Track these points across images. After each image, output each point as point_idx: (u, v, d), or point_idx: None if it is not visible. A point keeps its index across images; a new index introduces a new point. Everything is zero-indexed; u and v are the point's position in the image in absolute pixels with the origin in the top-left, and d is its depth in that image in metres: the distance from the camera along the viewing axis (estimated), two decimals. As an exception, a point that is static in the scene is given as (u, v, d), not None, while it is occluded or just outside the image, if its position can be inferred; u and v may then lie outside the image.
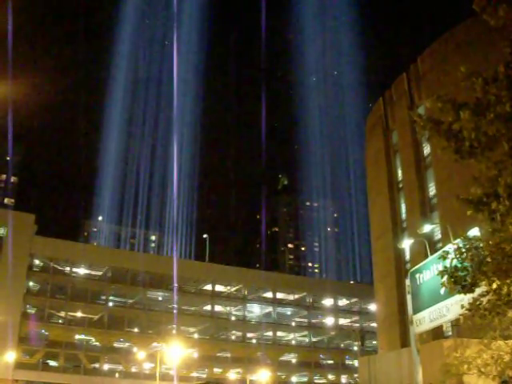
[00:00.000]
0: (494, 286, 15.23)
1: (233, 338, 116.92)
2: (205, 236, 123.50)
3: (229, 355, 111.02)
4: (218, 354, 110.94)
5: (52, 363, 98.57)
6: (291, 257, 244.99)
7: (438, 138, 13.51)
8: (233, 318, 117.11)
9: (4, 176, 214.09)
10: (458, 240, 17.21)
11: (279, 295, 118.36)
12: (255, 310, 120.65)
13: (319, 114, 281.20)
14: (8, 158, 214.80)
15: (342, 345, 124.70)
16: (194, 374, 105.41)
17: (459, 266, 16.65)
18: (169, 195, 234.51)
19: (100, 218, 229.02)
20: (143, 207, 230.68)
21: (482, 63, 44.74)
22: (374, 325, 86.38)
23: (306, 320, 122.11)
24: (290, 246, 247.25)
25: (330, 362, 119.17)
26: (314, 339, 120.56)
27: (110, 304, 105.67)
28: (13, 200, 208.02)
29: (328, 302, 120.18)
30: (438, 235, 54.35)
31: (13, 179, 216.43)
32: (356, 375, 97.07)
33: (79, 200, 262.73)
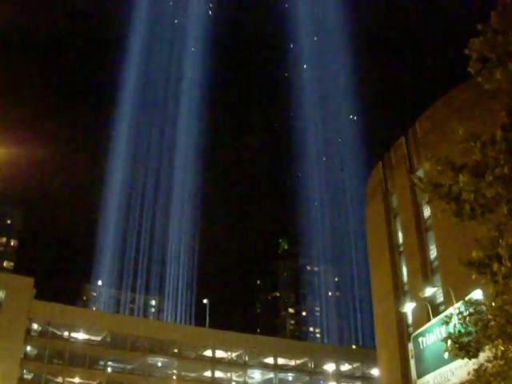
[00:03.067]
0: (499, 351, 15.04)
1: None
2: (205, 301, 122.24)
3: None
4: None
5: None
6: (292, 322, 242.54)
7: (438, 201, 13.59)
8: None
9: (4, 239, 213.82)
10: (460, 304, 17.04)
11: (280, 361, 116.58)
12: (256, 376, 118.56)
13: (319, 178, 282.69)
14: (8, 222, 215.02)
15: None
16: None
17: (463, 330, 16.48)
18: (169, 260, 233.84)
19: (99, 283, 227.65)
20: (143, 272, 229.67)
21: (480, 125, 45.16)
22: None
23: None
24: (290, 310, 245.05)
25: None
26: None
27: (109, 370, 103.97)
28: (12, 263, 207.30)
29: (330, 367, 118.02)
30: (440, 298, 53.86)
31: (12, 242, 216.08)
32: None
33: (79, 264, 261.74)
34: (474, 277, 14.16)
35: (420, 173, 58.57)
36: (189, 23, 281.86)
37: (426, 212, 60.24)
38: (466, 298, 17.69)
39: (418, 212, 61.14)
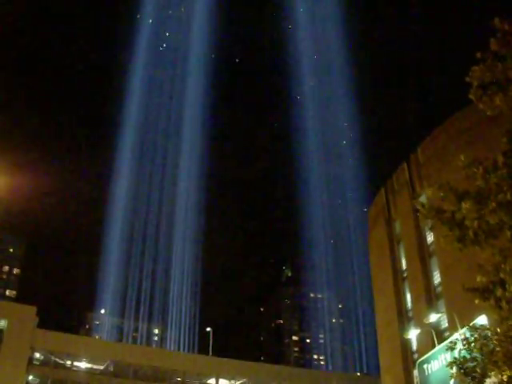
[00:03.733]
0: (505, 377, 14.97)
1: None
2: (208, 329, 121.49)
3: None
4: None
5: None
6: (296, 349, 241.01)
7: (441, 227, 13.63)
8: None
9: (7, 268, 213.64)
10: (465, 329, 17.00)
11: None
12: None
13: (321, 204, 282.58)
14: (11, 250, 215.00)
15: None
16: None
17: (468, 356, 16.42)
18: (172, 288, 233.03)
19: (102, 311, 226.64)
20: (146, 300, 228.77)
21: (481, 150, 45.35)
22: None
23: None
24: (294, 338, 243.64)
25: None
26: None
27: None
28: (15, 292, 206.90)
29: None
30: (444, 324, 53.61)
31: (15, 271, 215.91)
32: None
33: (81, 293, 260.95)
34: (476, 302, 14.14)
35: (423, 198, 58.61)
36: (190, 65, 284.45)
37: (430, 237, 60.20)
38: (471, 324, 17.64)
39: (422, 238, 61.09)
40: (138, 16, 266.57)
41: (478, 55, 13.58)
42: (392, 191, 68.74)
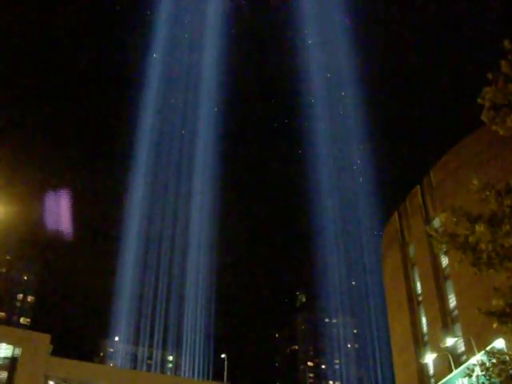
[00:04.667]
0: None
1: None
2: (223, 356, 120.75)
3: None
4: None
5: None
6: (311, 375, 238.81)
7: (455, 251, 13.50)
8: None
9: (21, 295, 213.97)
10: (483, 354, 16.74)
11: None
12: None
13: (334, 229, 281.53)
14: (25, 278, 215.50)
15: None
16: None
17: (486, 382, 16.15)
18: (186, 315, 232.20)
19: (116, 338, 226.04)
20: (160, 327, 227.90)
21: (494, 172, 45.25)
22: None
23: None
24: (309, 364, 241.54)
25: None
26: None
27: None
28: (29, 319, 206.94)
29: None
30: (461, 348, 53.02)
31: (29, 298, 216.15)
32: None
33: (95, 320, 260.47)
34: (494, 326, 13.94)
35: (436, 221, 58.37)
36: (200, 86, 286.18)
37: (444, 261, 59.78)
38: (488, 348, 17.35)
39: (436, 261, 60.69)
40: (154, 55, 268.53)
41: (490, 76, 13.57)
42: (405, 215, 68.49)
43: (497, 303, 13.69)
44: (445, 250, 14.00)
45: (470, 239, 12.82)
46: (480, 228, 12.53)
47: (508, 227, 12.34)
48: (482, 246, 12.62)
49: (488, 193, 12.68)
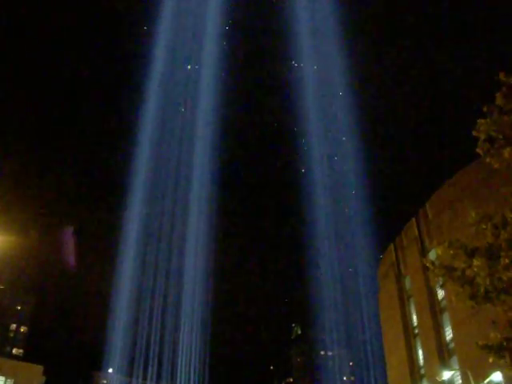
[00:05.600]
0: None
1: None
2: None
3: None
4: None
5: None
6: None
7: (452, 285, 13.45)
8: None
9: (14, 326, 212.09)
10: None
11: None
12: None
13: (330, 261, 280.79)
14: (18, 308, 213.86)
15: None
16: None
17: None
18: (180, 347, 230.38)
19: (110, 370, 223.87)
20: (154, 359, 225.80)
21: (490, 204, 45.25)
22: None
23: None
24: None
25: None
26: None
27: None
28: (21, 350, 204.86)
29: None
30: (458, 381, 52.60)
31: (22, 329, 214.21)
32: None
33: (89, 351, 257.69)
34: (490, 360, 13.86)
35: (432, 253, 58.35)
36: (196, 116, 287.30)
37: (440, 293, 59.60)
38: (486, 382, 17.18)
39: (432, 293, 60.51)
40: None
41: (485, 109, 13.67)
42: (401, 247, 68.47)
43: (494, 337, 13.61)
44: (442, 283, 13.95)
45: (468, 273, 12.78)
46: (477, 262, 12.49)
47: (505, 261, 12.31)
48: (480, 279, 12.57)
49: (485, 226, 12.68)
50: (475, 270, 12.74)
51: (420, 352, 62.76)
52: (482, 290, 13.03)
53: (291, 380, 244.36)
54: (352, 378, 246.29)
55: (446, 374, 45.89)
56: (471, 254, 13.00)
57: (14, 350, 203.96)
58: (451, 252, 13.38)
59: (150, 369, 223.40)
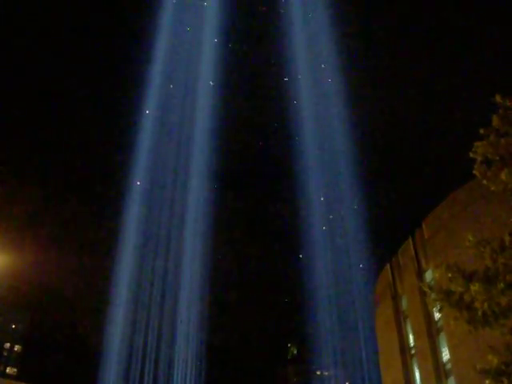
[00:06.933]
0: None
1: None
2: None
3: None
4: None
5: None
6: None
7: (450, 309, 13.28)
8: None
9: (8, 344, 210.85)
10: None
11: None
12: None
13: (326, 281, 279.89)
14: (13, 326, 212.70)
15: None
16: None
17: None
18: (176, 367, 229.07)
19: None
20: (150, 378, 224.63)
21: (487, 225, 45.16)
22: None
23: None
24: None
25: None
26: None
27: None
28: (15, 369, 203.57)
29: None
30: (455, 404, 52.21)
31: (16, 348, 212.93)
32: None
33: (84, 370, 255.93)
34: (487, 383, 13.65)
35: (429, 274, 58.21)
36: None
37: (437, 314, 59.30)
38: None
39: (429, 314, 60.18)
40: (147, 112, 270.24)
41: (481, 131, 13.59)
42: (398, 267, 68.26)
43: (492, 360, 13.41)
44: (439, 307, 13.79)
45: (466, 297, 12.61)
46: (475, 286, 12.33)
47: (503, 285, 12.15)
48: (478, 304, 12.40)
49: (483, 249, 12.54)
50: (473, 294, 12.56)
51: (417, 373, 62.32)
52: (480, 314, 12.85)
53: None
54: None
55: (443, 396, 45.51)
56: (469, 277, 12.84)
57: (8, 369, 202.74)
58: (449, 275, 13.21)
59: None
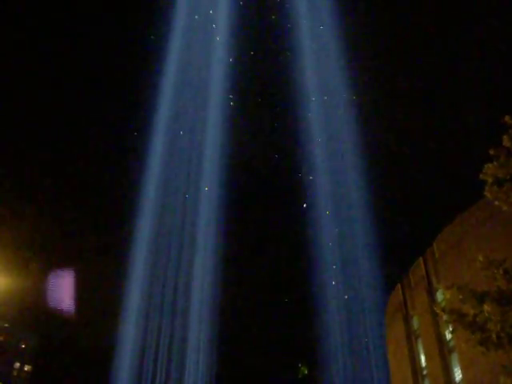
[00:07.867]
0: None
1: None
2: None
3: None
4: None
5: None
6: None
7: (462, 330, 13.15)
8: None
9: (18, 364, 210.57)
10: None
11: None
12: None
13: (337, 301, 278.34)
14: (23, 346, 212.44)
15: None
16: None
17: None
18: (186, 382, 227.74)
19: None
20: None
21: (498, 244, 44.99)
22: None
23: None
24: None
25: None
26: None
27: None
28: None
29: None
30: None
31: (26, 367, 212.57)
32: None
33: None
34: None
35: (440, 293, 57.88)
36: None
37: (449, 334, 58.88)
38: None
39: (440, 333, 59.77)
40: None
41: (492, 152, 13.60)
42: (409, 286, 67.90)
43: (504, 382, 13.31)
44: (452, 329, 13.70)
45: (478, 319, 12.47)
46: (488, 307, 12.19)
47: (516, 306, 12.05)
48: (491, 325, 12.25)
49: (496, 270, 12.46)
50: (486, 316, 12.42)
51: (429, 394, 61.82)
52: (494, 335, 12.69)
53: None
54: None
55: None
56: (481, 298, 12.73)
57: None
58: (460, 296, 13.12)
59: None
